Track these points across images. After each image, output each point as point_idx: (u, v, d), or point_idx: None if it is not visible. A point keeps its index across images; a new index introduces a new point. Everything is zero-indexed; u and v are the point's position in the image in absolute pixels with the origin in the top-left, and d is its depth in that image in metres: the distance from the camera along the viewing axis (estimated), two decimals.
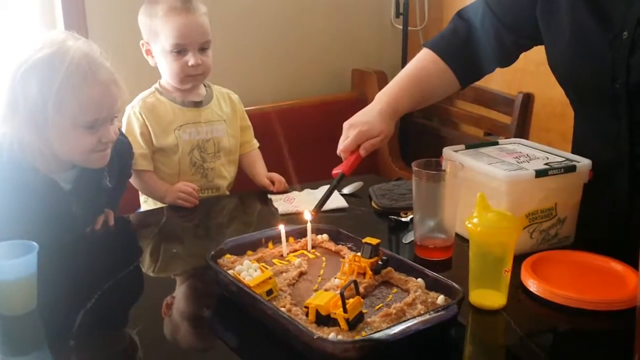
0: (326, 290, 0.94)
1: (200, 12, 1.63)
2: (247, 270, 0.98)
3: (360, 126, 1.24)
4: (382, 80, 2.52)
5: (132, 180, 1.59)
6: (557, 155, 1.20)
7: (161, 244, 1.32)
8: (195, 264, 1.19)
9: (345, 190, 1.50)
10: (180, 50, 1.60)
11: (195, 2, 1.63)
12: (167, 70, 1.64)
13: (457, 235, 1.15)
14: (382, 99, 1.29)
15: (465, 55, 1.32)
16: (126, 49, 1.69)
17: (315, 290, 0.97)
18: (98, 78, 1.21)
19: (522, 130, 2.12)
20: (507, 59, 1.35)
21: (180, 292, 1.10)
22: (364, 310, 0.90)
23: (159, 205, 1.59)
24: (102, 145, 1.23)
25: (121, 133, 1.43)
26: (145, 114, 1.64)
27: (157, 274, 1.20)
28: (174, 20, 1.58)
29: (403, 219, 1.32)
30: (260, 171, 1.69)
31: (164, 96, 1.67)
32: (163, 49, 1.62)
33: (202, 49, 1.63)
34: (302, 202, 1.46)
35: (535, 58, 1.35)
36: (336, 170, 1.23)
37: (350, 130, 1.25)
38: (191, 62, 1.60)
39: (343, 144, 1.25)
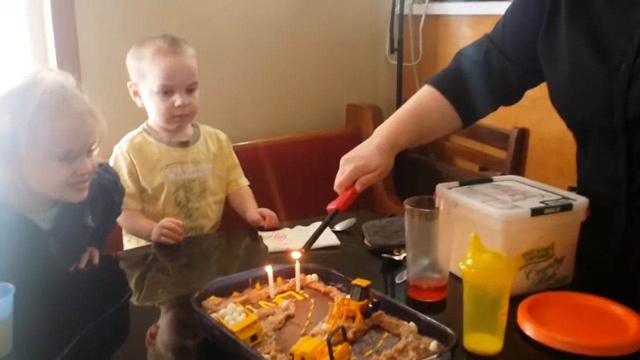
0: (313, 335, 0.90)
1: (187, 54, 1.63)
2: (232, 314, 0.94)
3: (357, 161, 1.21)
4: (377, 115, 2.51)
5: (120, 220, 1.55)
6: (552, 192, 1.17)
7: (146, 283, 1.27)
8: (182, 306, 1.14)
9: (338, 227, 1.47)
10: (167, 91, 1.61)
11: (183, 44, 1.64)
12: (154, 111, 1.64)
13: (451, 274, 1.12)
14: (381, 133, 1.26)
15: (467, 91, 1.29)
16: (120, 86, 1.68)
17: (302, 335, 0.93)
18: (72, 109, 1.18)
19: (517, 166, 2.10)
20: (510, 96, 1.32)
21: (165, 334, 1.06)
22: (353, 358, 0.85)
23: (142, 243, 1.56)
24: (77, 177, 1.20)
25: (107, 170, 1.40)
26: (133, 154, 1.63)
27: (140, 317, 1.15)
28: (161, 61, 1.59)
29: (396, 258, 1.28)
30: (251, 208, 1.67)
31: (151, 136, 1.67)
32: (150, 90, 1.62)
33: (189, 90, 1.64)
34: (293, 239, 1.42)
35: (530, 94, 1.33)
36: (330, 206, 1.20)
37: (347, 165, 1.22)
38: (178, 102, 1.60)
39: (339, 179, 1.22)
